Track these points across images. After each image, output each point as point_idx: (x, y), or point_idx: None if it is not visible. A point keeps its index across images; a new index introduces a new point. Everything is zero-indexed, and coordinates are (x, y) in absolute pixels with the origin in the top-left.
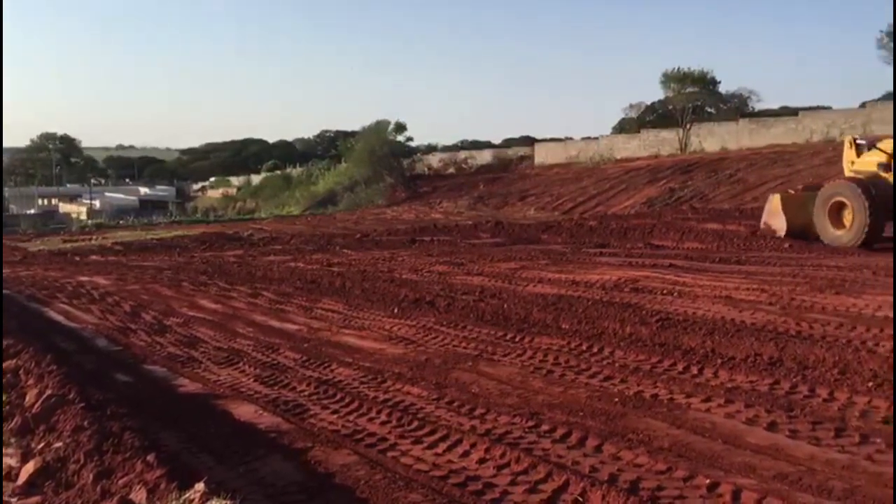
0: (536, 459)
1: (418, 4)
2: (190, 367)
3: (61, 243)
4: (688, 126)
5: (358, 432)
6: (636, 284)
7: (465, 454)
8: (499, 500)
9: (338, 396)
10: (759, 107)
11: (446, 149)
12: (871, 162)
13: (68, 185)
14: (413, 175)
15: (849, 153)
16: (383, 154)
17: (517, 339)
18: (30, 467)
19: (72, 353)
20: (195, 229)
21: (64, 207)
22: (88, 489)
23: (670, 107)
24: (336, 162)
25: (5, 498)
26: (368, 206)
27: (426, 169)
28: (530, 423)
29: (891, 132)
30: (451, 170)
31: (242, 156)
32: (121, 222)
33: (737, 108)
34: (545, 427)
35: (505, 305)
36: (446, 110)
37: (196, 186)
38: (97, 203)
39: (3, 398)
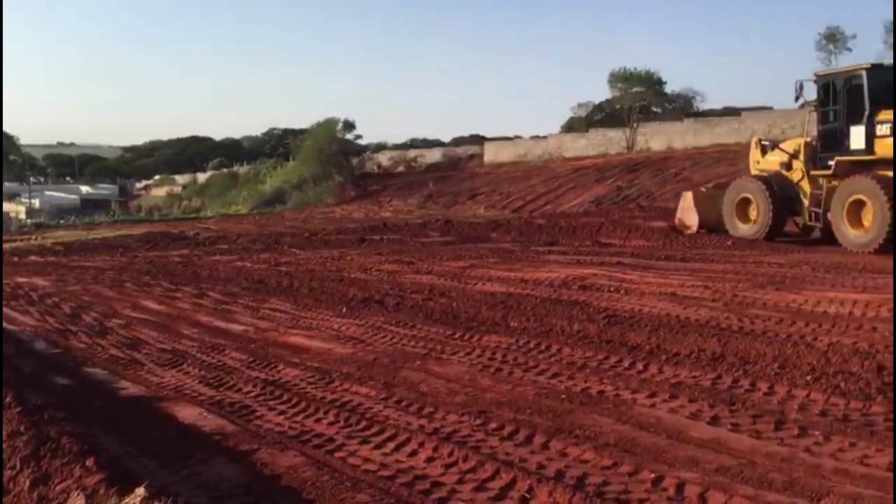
0: (484, 457)
1: (364, 2)
2: (132, 369)
3: None
4: (634, 125)
5: (305, 433)
6: (584, 282)
7: (413, 453)
8: (446, 498)
9: (284, 397)
10: (703, 107)
11: (396, 147)
12: (773, 161)
13: (6, 184)
14: (362, 173)
15: (754, 153)
16: (332, 152)
17: (466, 338)
18: None
19: (9, 357)
20: (139, 229)
21: None
22: (25, 495)
23: (617, 106)
24: (284, 160)
25: None
26: (317, 204)
27: (376, 167)
28: (478, 422)
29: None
30: (401, 168)
31: (188, 153)
32: (61, 222)
33: (682, 108)
34: (493, 425)
35: (454, 304)
36: (395, 109)
37: (140, 185)
38: (36, 202)
39: None
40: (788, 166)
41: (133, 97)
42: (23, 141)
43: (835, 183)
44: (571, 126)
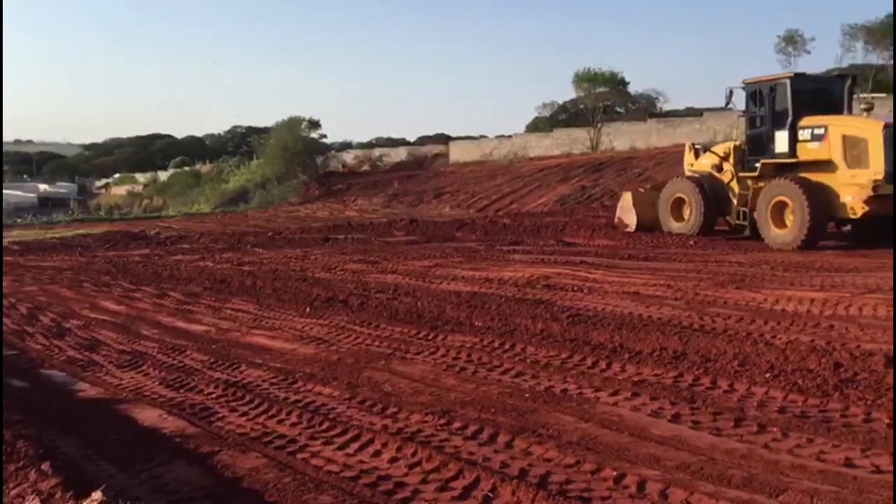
0: (448, 457)
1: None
2: (91, 371)
3: None
4: (599, 125)
5: (267, 434)
6: (548, 281)
7: (377, 454)
8: (409, 498)
9: (247, 398)
10: (666, 107)
11: (361, 146)
12: (706, 164)
13: None
14: (327, 172)
15: (688, 156)
16: (297, 151)
17: (430, 337)
18: None
19: None
20: (98, 228)
21: None
22: None
23: (582, 106)
24: (248, 158)
25: None
26: (281, 203)
27: (340, 166)
28: (442, 421)
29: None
30: (366, 167)
31: (149, 151)
32: (18, 221)
33: (645, 108)
34: (457, 424)
35: (419, 303)
36: (360, 107)
37: (99, 183)
38: None
39: None
40: (719, 168)
41: (93, 94)
42: None
43: (760, 185)
44: (536, 126)
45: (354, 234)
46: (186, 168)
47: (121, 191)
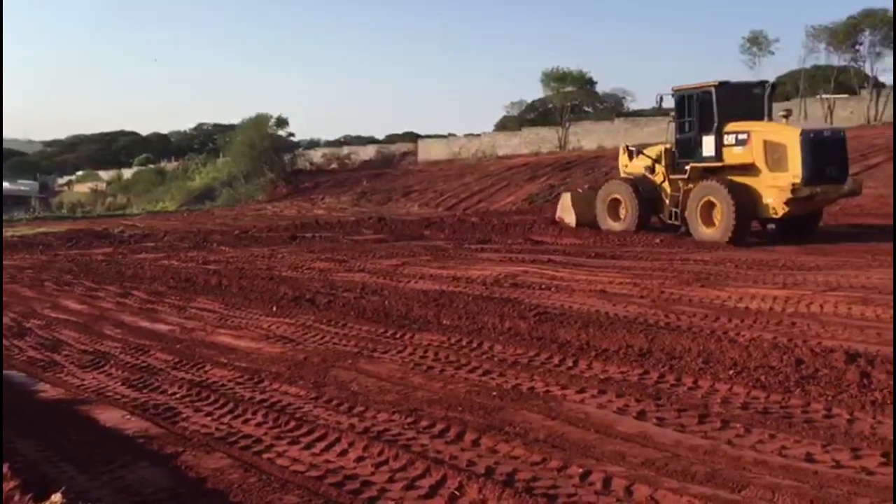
0: (415, 456)
1: None
2: (52, 371)
3: None
4: (567, 124)
5: (232, 434)
6: (516, 280)
7: (343, 453)
8: (376, 498)
9: (211, 398)
10: (633, 107)
11: (329, 144)
12: (639, 166)
13: None
14: (295, 170)
15: (623, 157)
16: (264, 149)
17: (398, 336)
18: None
19: None
20: (61, 226)
21: None
22: None
23: (550, 105)
24: (214, 156)
25: None
26: (248, 201)
27: (308, 164)
28: (409, 420)
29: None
30: (334, 165)
31: (112, 148)
32: None
33: (613, 107)
34: (424, 423)
35: (386, 302)
36: (328, 105)
37: (62, 181)
38: None
39: None
40: (652, 170)
41: (54, 90)
42: None
43: (690, 186)
44: (505, 124)
45: (322, 233)
46: (151, 166)
47: (84, 188)
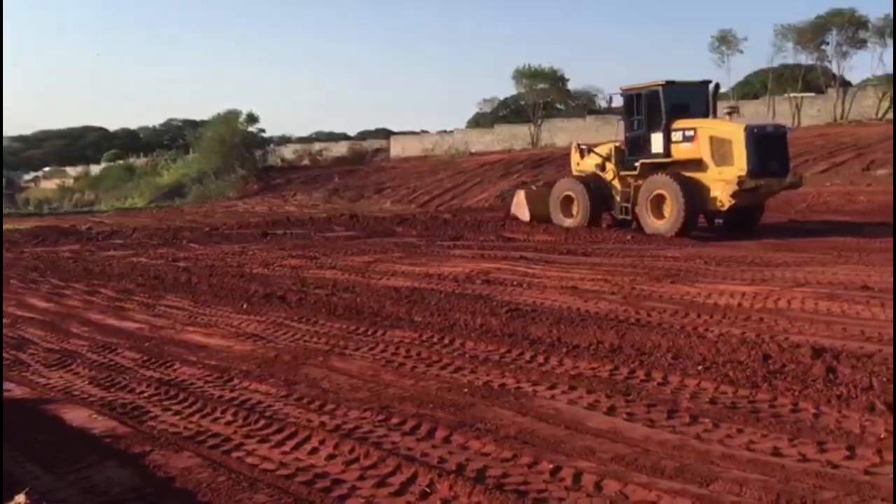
0: (385, 453)
1: None
2: (17, 370)
3: None
4: (539, 122)
5: (201, 433)
6: (488, 276)
7: (314, 451)
8: (346, 496)
9: (180, 397)
10: (604, 104)
11: (300, 140)
12: (590, 164)
13: None
14: (266, 167)
15: (574, 156)
16: (234, 144)
17: (369, 333)
18: None
19: None
20: (26, 223)
21: None
22: None
23: (522, 102)
24: (184, 152)
25: None
26: (219, 198)
27: (279, 161)
28: (380, 417)
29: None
30: (306, 162)
31: (80, 144)
32: None
33: (584, 105)
34: (395, 420)
35: (358, 299)
36: (299, 101)
37: (28, 177)
38: None
39: None
40: (602, 168)
41: (19, 84)
42: None
43: (640, 181)
44: (477, 121)
45: (294, 230)
46: (120, 162)
47: (51, 185)
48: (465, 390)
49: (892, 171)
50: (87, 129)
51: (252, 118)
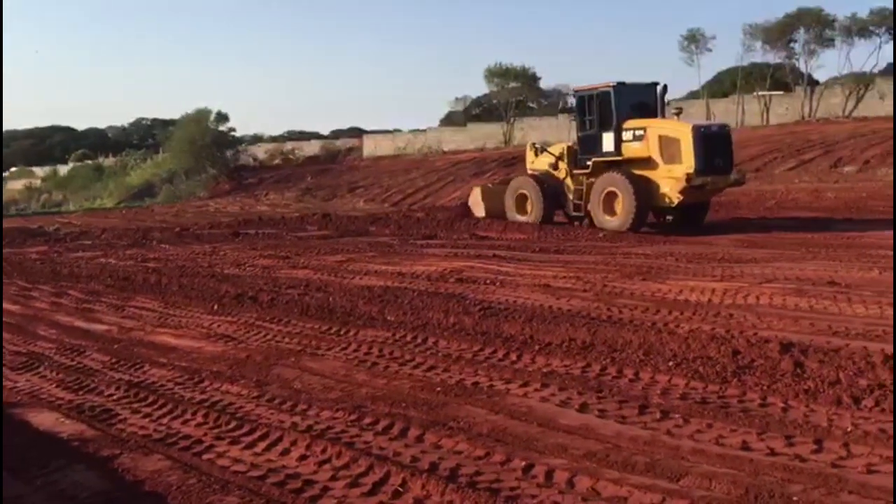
0: (358, 453)
1: None
2: None
3: None
4: (511, 120)
5: (171, 436)
6: (461, 275)
7: (286, 452)
8: (319, 496)
9: (150, 399)
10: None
11: (272, 139)
12: (544, 162)
13: None
14: (237, 166)
15: (529, 154)
16: (205, 144)
17: (342, 333)
18: None
19: None
20: None
21: None
22: None
23: (494, 101)
24: (154, 152)
25: None
26: (190, 198)
27: (251, 160)
28: (353, 417)
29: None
30: (278, 161)
31: (47, 144)
32: None
33: (556, 103)
34: (368, 420)
35: (331, 299)
36: (272, 100)
37: None
38: None
39: None
40: (555, 166)
41: None
42: None
43: (592, 179)
44: (450, 120)
45: (266, 229)
46: (88, 162)
47: (17, 185)
48: (438, 389)
49: (859, 168)
50: (54, 129)
51: (222, 117)
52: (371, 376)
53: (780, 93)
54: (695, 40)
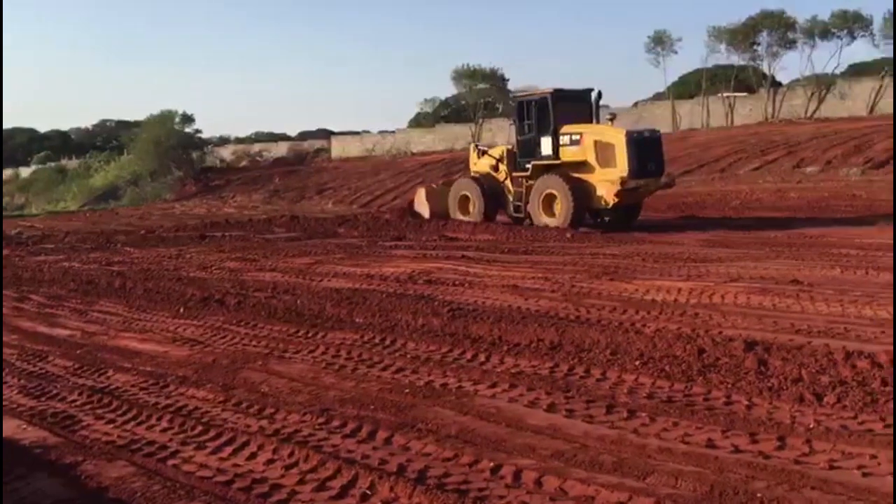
0: (326, 456)
1: None
2: None
3: None
4: (480, 121)
5: (135, 442)
6: (430, 276)
7: (252, 456)
8: (286, 500)
9: (114, 405)
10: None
11: (240, 141)
12: (485, 164)
13: None
14: (204, 168)
15: (472, 156)
16: (170, 146)
17: (310, 335)
18: None
19: None
20: None
21: None
22: None
23: (463, 102)
24: (118, 154)
25: None
26: (155, 200)
27: (218, 162)
28: (321, 420)
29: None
30: (245, 163)
31: (9, 146)
32: None
33: None
34: (336, 423)
35: (298, 301)
36: (238, 102)
37: None
38: None
39: None
40: (496, 168)
41: None
42: None
43: (531, 182)
44: (419, 121)
45: (233, 232)
46: (51, 164)
47: None
48: (407, 391)
49: (821, 168)
50: (16, 131)
51: (188, 119)
52: (339, 379)
53: (744, 94)
54: (661, 42)
